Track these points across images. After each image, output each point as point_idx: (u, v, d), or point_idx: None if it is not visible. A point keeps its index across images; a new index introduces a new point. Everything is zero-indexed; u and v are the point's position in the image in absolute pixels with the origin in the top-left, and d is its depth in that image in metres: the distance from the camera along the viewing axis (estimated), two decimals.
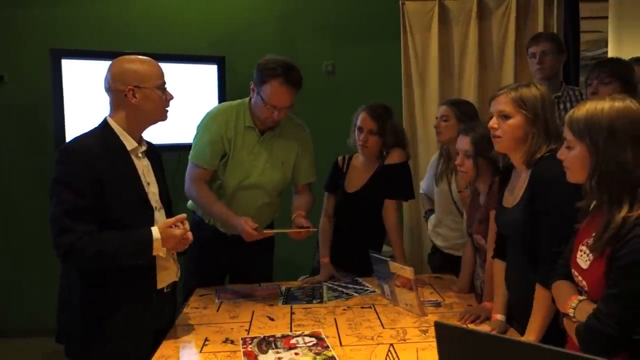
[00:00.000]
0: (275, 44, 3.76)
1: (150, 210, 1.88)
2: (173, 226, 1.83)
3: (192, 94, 3.37)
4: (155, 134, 2.05)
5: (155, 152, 2.03)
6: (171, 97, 1.93)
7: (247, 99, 2.51)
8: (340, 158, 2.82)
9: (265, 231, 2.34)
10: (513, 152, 1.83)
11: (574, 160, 1.45)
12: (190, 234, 1.89)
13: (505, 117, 1.79)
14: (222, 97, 3.55)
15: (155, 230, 1.80)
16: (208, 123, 2.49)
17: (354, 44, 3.93)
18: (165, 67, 1.97)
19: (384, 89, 3.74)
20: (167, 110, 1.94)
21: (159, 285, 1.91)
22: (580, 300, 1.44)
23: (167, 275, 1.95)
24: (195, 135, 2.52)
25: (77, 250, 1.72)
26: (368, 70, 3.91)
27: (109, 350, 1.82)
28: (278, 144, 2.54)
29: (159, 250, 1.81)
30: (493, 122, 1.82)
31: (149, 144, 1.99)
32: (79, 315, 1.83)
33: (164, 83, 1.91)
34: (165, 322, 2.02)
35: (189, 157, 2.51)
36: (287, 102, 2.39)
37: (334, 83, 3.93)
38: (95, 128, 1.89)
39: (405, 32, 3.77)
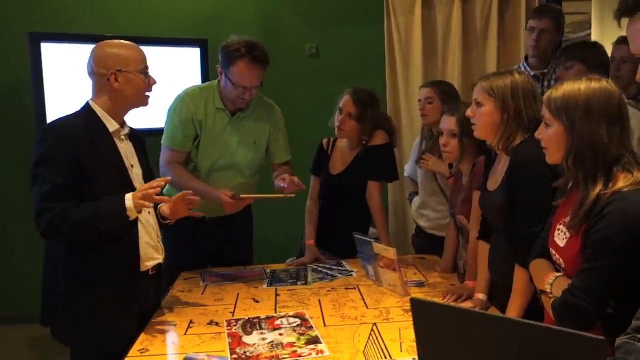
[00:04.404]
0: (258, 26, 3.73)
1: (132, 191, 1.87)
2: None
3: (175, 78, 3.34)
4: (139, 118, 2.05)
5: (137, 137, 2.04)
6: (154, 82, 1.94)
7: (216, 81, 2.50)
8: (325, 141, 2.82)
9: (243, 196, 2.33)
10: (489, 138, 1.88)
11: (551, 138, 1.48)
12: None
13: (478, 104, 1.84)
14: (205, 80, 3.50)
15: (128, 195, 1.79)
16: (178, 106, 2.48)
17: (337, 27, 3.90)
18: (148, 50, 1.96)
19: (368, 71, 3.74)
20: (148, 96, 1.94)
21: (144, 267, 1.92)
22: (557, 277, 1.47)
23: (152, 256, 1.96)
24: (167, 120, 2.52)
25: (56, 224, 1.72)
26: (352, 53, 3.89)
27: (92, 330, 1.83)
28: (249, 124, 2.54)
29: (133, 212, 1.78)
30: (470, 110, 1.88)
31: (130, 129, 1.99)
32: (64, 295, 1.83)
33: (147, 68, 1.92)
34: (150, 304, 2.02)
35: (162, 141, 2.50)
36: (256, 81, 2.38)
37: (318, 65, 3.90)
38: (78, 111, 1.89)
39: (389, 15, 3.76)
